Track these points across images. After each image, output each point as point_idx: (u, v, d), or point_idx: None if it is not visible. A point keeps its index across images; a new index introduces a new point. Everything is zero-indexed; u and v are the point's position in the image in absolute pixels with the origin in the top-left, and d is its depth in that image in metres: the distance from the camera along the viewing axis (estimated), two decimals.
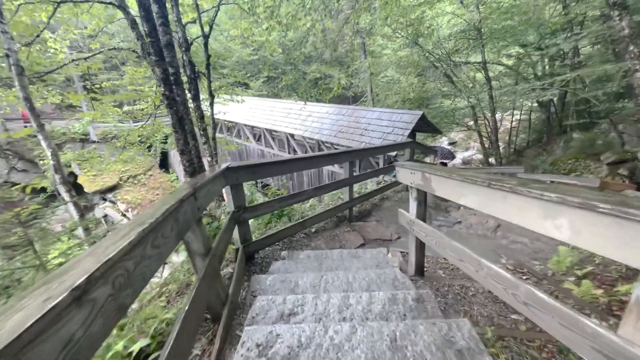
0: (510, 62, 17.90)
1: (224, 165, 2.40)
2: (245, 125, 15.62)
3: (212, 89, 7.35)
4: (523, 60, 17.48)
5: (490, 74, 18.75)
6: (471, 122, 20.50)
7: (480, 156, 25.17)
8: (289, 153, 13.47)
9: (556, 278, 3.02)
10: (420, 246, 2.58)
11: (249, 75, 21.43)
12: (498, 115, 21.04)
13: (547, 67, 16.81)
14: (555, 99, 17.30)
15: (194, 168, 4.39)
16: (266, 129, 14.18)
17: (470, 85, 15.64)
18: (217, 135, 18.57)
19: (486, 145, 14.39)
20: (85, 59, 6.47)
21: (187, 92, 5.99)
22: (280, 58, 20.92)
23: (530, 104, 19.46)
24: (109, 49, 6.91)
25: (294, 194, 3.25)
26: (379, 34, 14.88)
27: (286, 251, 3.19)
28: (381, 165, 9.66)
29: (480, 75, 17.75)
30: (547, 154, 16.12)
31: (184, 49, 5.89)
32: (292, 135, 12.90)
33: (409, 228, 2.52)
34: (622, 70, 7.61)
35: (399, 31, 13.85)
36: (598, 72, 8.01)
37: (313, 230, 3.98)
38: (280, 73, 20.98)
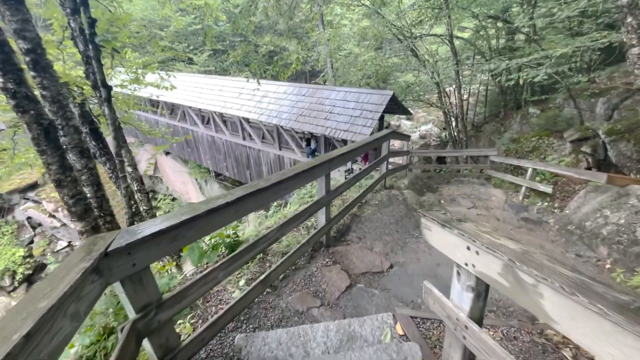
0: (466, 35, 17.46)
1: (95, 251, 1.15)
2: (190, 107, 13.56)
3: (126, 70, 5.55)
4: (480, 34, 17.15)
5: (444, 49, 18.35)
6: (433, 99, 20.26)
7: (436, 129, 25.36)
8: (244, 139, 11.91)
9: None
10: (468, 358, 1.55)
11: (191, 48, 18.78)
12: (454, 90, 20.96)
13: (502, 40, 16.70)
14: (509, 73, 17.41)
15: (84, 206, 2.83)
16: (215, 112, 12.36)
17: (435, 60, 14.97)
18: (157, 120, 16.16)
19: (453, 124, 14.00)
20: None
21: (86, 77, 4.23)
22: (227, 28, 18.52)
23: (486, 78, 19.53)
24: None
25: (247, 248, 2.08)
26: (337, 2, 13.39)
27: (243, 334, 2.05)
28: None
29: (443, 49, 17.19)
30: (504, 129, 16.36)
31: (68, 8, 3.90)
32: (248, 120, 11.34)
33: (451, 327, 1.50)
34: (583, 46, 7.17)
35: None
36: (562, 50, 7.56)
37: (280, 276, 2.87)
38: (228, 46, 18.59)
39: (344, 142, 10.11)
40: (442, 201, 6.28)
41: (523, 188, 6.28)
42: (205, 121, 14.53)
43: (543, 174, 6.31)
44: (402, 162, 7.82)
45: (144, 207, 4.82)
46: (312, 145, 10.21)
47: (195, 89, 13.63)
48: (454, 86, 19.67)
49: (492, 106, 19.88)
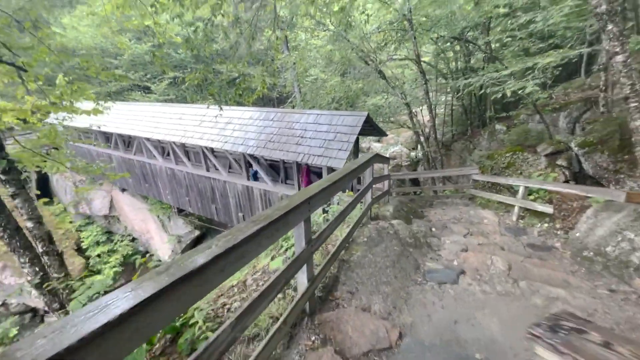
0: (427, 59, 18.02)
1: None
2: (148, 139, 12.31)
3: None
4: (440, 57, 17.76)
5: (410, 72, 18.88)
6: (402, 120, 20.47)
7: (405, 150, 25.61)
8: (208, 170, 10.82)
9: None
10: None
11: (149, 77, 17.71)
12: (420, 110, 21.38)
13: (460, 63, 17.41)
14: (473, 91, 18.06)
15: None
16: (175, 143, 11.24)
17: (403, 82, 15.09)
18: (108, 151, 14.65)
19: (424, 145, 13.85)
20: None
21: None
22: (188, 55, 17.76)
23: (450, 99, 20.18)
24: None
25: None
26: (301, 26, 13.19)
27: None
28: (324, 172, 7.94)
29: (408, 72, 17.51)
30: (473, 147, 16.60)
31: None
32: (212, 149, 10.32)
33: None
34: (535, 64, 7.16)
35: (325, 21, 12.36)
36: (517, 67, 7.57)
37: None
38: (189, 73, 17.77)
39: (319, 168, 9.37)
40: (433, 229, 5.60)
41: (516, 208, 5.79)
42: (164, 153, 13.28)
43: (537, 192, 5.88)
44: (383, 187, 7.17)
45: (55, 274, 3.60)
46: (255, 167, 9.49)
47: (152, 119, 12.47)
48: (421, 107, 20.09)
49: (458, 125, 20.41)
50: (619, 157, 7.64)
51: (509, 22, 11.00)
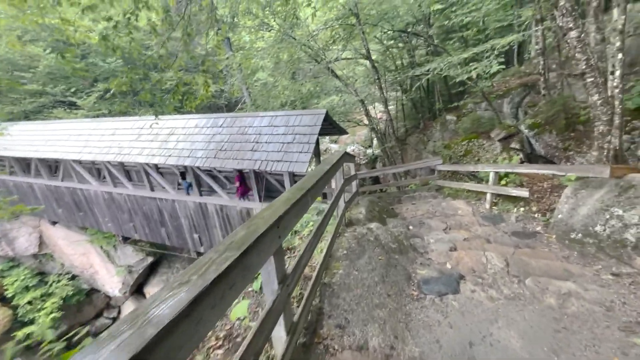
0: (375, 57, 18.17)
1: None
2: (75, 161, 10.58)
3: None
4: (387, 54, 18.04)
5: (361, 69, 18.97)
6: (357, 118, 20.47)
7: (362, 148, 25.86)
8: (152, 190, 9.52)
9: None
10: None
11: (73, 90, 15.57)
12: (374, 107, 21.62)
13: (404, 60, 17.91)
14: (422, 84, 18.64)
15: None
16: (110, 162, 9.75)
17: (356, 79, 14.92)
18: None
19: (382, 140, 13.76)
20: None
21: None
22: (119, 64, 15.95)
23: (399, 95, 20.66)
24: None
25: None
26: (244, 26, 12.38)
27: None
28: (288, 185, 7.24)
29: (359, 68, 17.46)
30: (427, 139, 17.02)
31: None
32: (156, 165, 9.07)
33: None
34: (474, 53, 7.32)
35: (269, 20, 11.70)
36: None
37: None
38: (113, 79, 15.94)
39: (280, 175, 8.66)
40: (411, 227, 5.20)
41: (488, 195, 5.62)
42: (99, 176, 11.58)
43: (507, 177, 5.77)
44: (351, 188, 6.69)
45: None
46: (188, 179, 8.77)
47: (79, 138, 10.76)
48: (374, 105, 20.25)
49: (410, 119, 20.94)
50: (566, 136, 8.00)
51: (451, 13, 11.33)
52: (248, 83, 12.63)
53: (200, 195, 8.66)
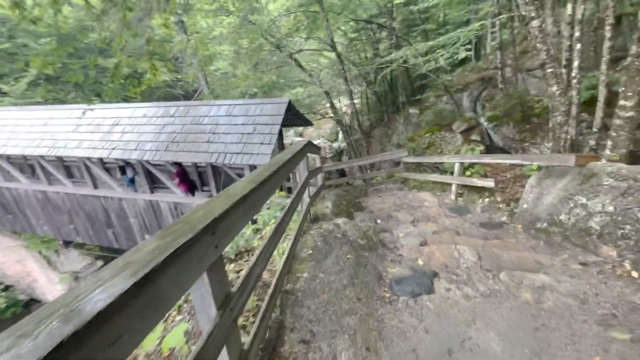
0: (340, 49, 18.01)
1: None
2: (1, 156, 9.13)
3: None
4: (353, 44, 17.91)
5: (325, 60, 18.68)
6: (321, 110, 20.19)
7: (328, 142, 25.72)
8: (96, 188, 8.48)
9: None
10: None
11: None
12: (339, 100, 21.53)
13: (368, 53, 17.94)
14: (386, 77, 18.80)
15: None
16: (44, 157, 8.51)
17: (320, 69, 14.55)
18: None
19: (348, 132, 13.61)
20: None
21: None
22: (54, 44, 14.08)
23: (364, 89, 20.75)
24: None
25: None
26: (200, 9, 11.45)
27: None
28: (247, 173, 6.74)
29: (323, 60, 17.11)
30: (391, 132, 17.22)
31: None
32: (102, 160, 8.04)
33: None
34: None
35: (227, 4, 10.89)
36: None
37: None
38: (63, 70, 14.11)
39: (240, 169, 8.10)
40: (379, 221, 5.00)
41: (454, 186, 5.59)
42: (32, 172, 10.16)
43: (472, 167, 5.77)
44: (316, 181, 6.37)
45: None
46: (129, 174, 8.08)
47: (3, 129, 9.29)
48: (339, 98, 20.08)
49: (375, 113, 21.11)
50: (522, 128, 8.33)
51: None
52: (205, 71, 11.74)
53: (152, 192, 7.85)
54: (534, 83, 9.42)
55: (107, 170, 8.61)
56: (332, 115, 14.10)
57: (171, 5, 6.00)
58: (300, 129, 28.64)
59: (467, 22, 12.57)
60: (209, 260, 1.04)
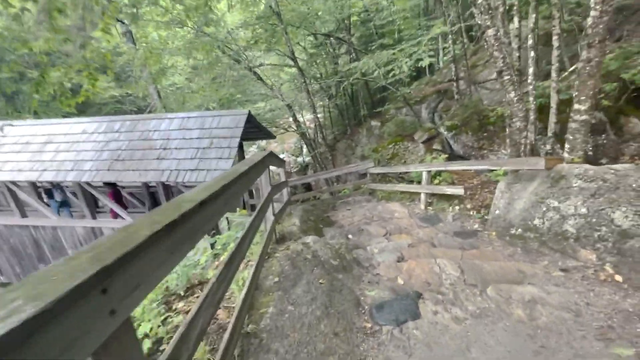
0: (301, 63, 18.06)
1: None
2: None
3: None
4: (312, 60, 18.06)
5: (285, 75, 18.61)
6: (284, 124, 19.94)
7: (293, 157, 25.39)
8: (24, 216, 7.27)
9: None
10: None
11: None
12: (302, 114, 21.43)
13: (328, 68, 18.21)
14: (347, 91, 19.10)
15: None
16: None
17: (281, 83, 14.31)
18: None
19: (312, 146, 13.40)
20: None
21: None
22: None
23: (326, 102, 20.93)
24: None
25: None
26: (152, 20, 10.76)
27: None
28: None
29: (284, 75, 16.96)
30: (355, 144, 17.36)
31: None
32: (35, 184, 6.91)
33: None
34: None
35: (179, 15, 10.34)
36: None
37: None
38: None
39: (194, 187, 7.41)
40: (350, 236, 4.69)
41: (422, 196, 5.47)
42: None
43: (439, 175, 5.71)
44: (282, 197, 5.96)
45: None
46: (57, 197, 7.30)
47: None
48: (302, 111, 19.98)
49: (338, 126, 21.29)
50: (480, 136, 8.63)
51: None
52: (158, 84, 10.95)
53: (93, 217, 6.89)
54: (486, 94, 9.93)
55: (39, 195, 7.47)
56: (295, 128, 13.84)
57: (111, 10, 5.40)
58: (263, 143, 28.08)
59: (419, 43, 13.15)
60: (97, 339, 0.61)
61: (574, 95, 4.08)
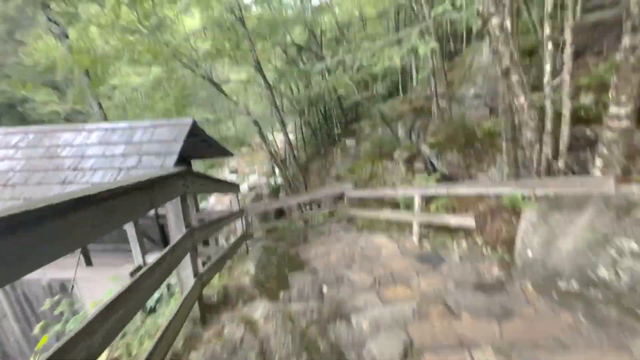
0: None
1: None
2: None
3: None
4: (283, 78, 17.14)
5: (253, 92, 17.53)
6: (254, 145, 18.65)
7: (264, 179, 23.82)
8: None
9: None
10: None
11: None
12: (272, 133, 20.27)
13: (300, 87, 17.47)
14: (320, 110, 18.29)
15: None
16: None
17: (247, 98, 13.11)
18: None
19: (283, 167, 12.14)
20: None
21: None
22: None
23: (298, 122, 20.03)
24: None
25: None
26: (89, 21, 9.30)
27: None
28: (132, 235, 4.52)
29: (252, 91, 15.86)
30: (329, 164, 16.33)
31: None
32: None
33: None
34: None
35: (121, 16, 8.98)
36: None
37: None
38: None
39: None
40: (325, 288, 3.36)
41: (415, 226, 4.30)
42: None
43: (436, 200, 4.57)
44: (239, 231, 4.57)
45: None
46: None
47: None
48: (272, 130, 18.82)
49: (311, 146, 20.30)
50: (467, 153, 7.82)
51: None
52: (99, 92, 9.30)
53: None
54: (469, 109, 9.29)
55: None
56: (263, 148, 12.57)
57: None
58: (233, 163, 26.38)
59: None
60: None
61: (610, 95, 3.18)
